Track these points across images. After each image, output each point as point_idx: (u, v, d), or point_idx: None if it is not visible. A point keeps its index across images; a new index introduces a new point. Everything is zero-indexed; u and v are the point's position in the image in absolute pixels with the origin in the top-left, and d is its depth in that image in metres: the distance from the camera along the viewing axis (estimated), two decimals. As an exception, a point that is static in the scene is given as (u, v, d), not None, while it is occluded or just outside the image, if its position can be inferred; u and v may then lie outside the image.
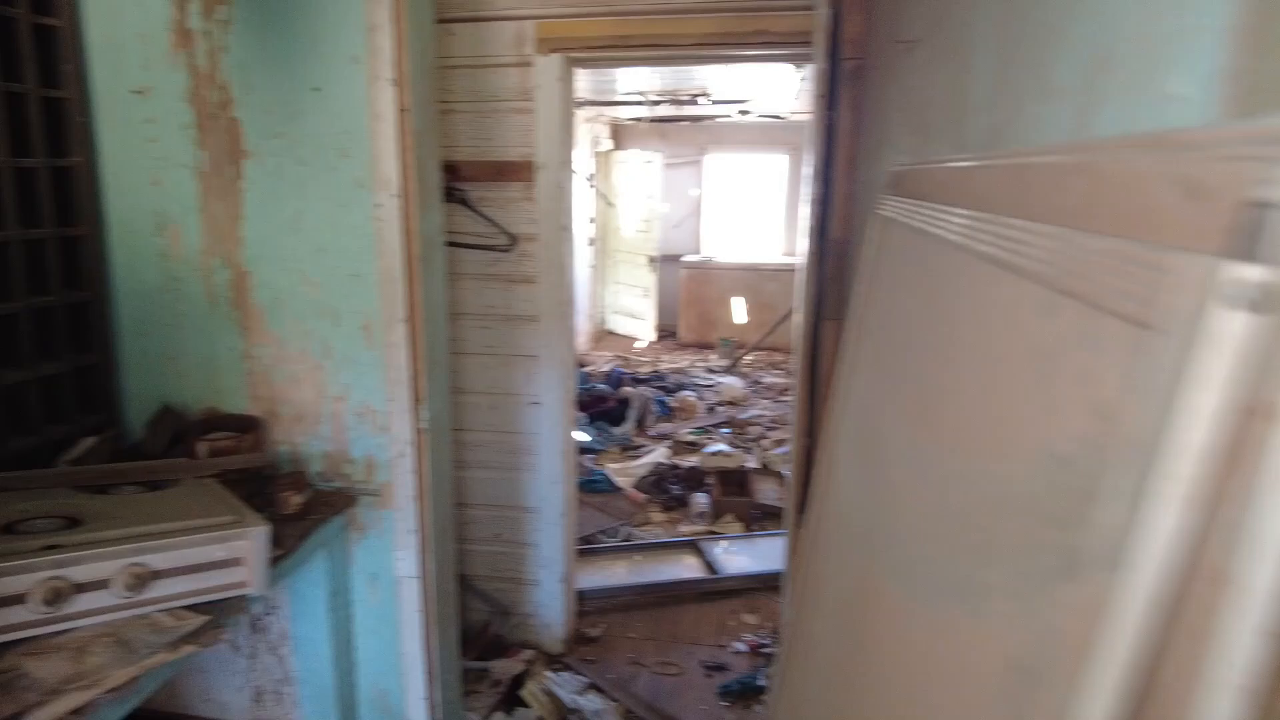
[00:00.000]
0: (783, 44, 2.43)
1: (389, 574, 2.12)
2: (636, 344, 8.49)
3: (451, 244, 2.75)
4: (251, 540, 1.52)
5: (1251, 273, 0.42)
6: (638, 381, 6.56)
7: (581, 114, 7.67)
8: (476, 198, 2.76)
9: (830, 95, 1.84)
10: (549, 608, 3.07)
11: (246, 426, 2.04)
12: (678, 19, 2.48)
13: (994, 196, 0.86)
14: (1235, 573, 0.43)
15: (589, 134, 8.10)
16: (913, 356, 1.11)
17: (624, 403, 5.74)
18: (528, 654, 2.99)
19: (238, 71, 1.94)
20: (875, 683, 1.03)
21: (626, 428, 5.49)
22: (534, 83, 2.64)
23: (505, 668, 2.89)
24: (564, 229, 2.74)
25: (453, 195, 2.74)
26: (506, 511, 3.00)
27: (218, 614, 1.48)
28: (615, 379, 6.42)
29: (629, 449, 5.21)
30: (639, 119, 8.45)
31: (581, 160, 7.78)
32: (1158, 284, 0.51)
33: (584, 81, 5.97)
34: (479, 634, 3.03)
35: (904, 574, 0.98)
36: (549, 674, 2.90)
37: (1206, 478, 0.46)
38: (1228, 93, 0.57)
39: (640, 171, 8.23)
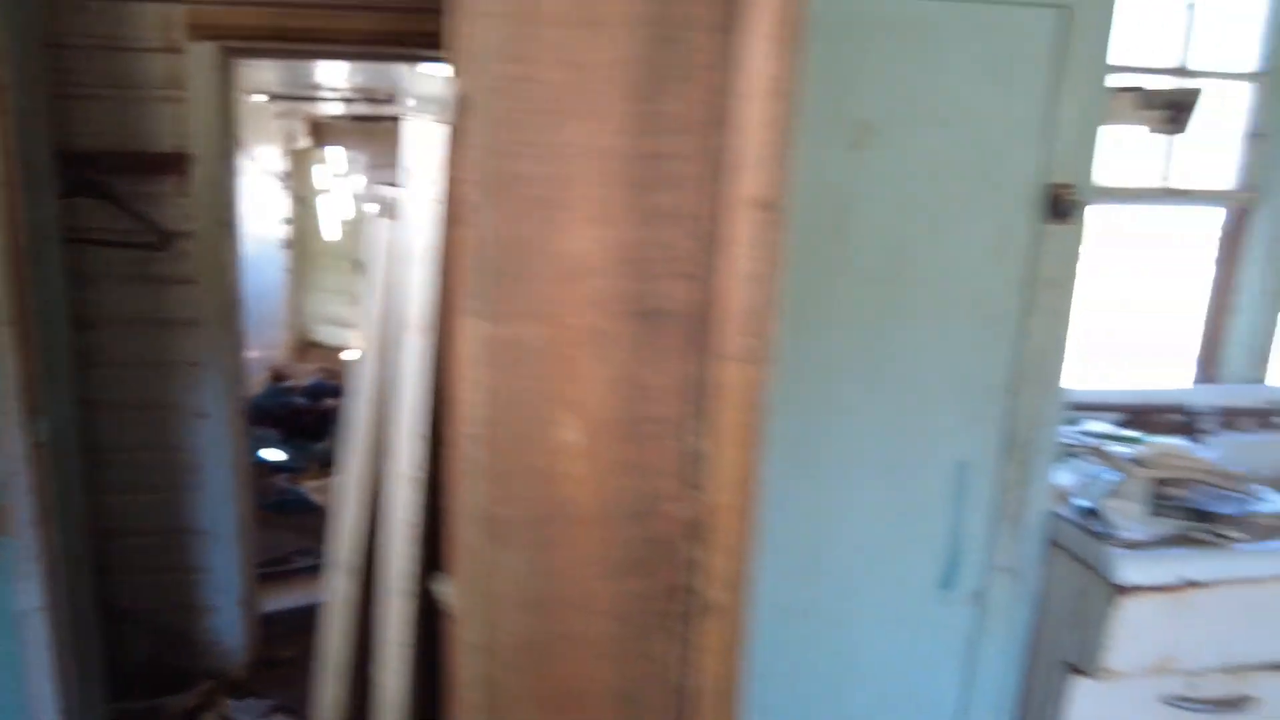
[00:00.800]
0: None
1: (9, 610, 1.86)
2: (345, 354, 8.11)
3: (90, 241, 2.48)
4: None
5: (388, 191, 0.70)
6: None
7: (273, 108, 7.18)
8: (122, 191, 2.51)
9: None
10: (229, 634, 2.87)
11: None
12: (339, 14, 2.45)
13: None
14: (398, 397, 0.72)
15: (282, 130, 7.60)
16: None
17: (326, 416, 5.48)
18: (206, 685, 2.78)
19: None
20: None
21: (328, 443, 5.24)
22: (186, 71, 2.47)
23: (178, 702, 2.67)
24: (225, 226, 2.59)
25: (92, 188, 2.47)
26: (172, 536, 2.75)
27: None
28: (317, 392, 6.11)
29: (330, 465, 4.98)
30: (339, 116, 8.08)
31: (273, 157, 7.29)
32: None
33: (273, 74, 5.62)
34: (148, 669, 2.76)
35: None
36: (231, 701, 2.73)
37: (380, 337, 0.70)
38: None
39: (343, 172, 7.87)
